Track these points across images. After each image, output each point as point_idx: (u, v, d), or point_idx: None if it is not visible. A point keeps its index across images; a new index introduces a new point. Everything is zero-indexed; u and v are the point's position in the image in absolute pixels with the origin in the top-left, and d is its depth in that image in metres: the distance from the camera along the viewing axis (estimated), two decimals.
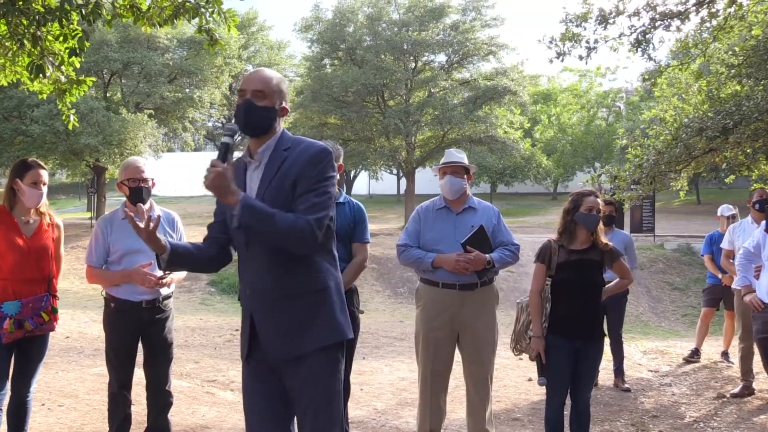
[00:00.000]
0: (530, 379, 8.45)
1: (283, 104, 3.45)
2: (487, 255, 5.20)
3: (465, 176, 5.52)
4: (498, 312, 5.61)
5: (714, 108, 11.45)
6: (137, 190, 5.07)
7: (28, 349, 4.89)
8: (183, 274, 5.36)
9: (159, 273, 4.99)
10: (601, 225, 5.24)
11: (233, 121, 3.44)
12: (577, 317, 5.09)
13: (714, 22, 11.35)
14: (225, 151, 3.23)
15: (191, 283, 19.40)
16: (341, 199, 5.31)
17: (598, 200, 5.18)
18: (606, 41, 11.50)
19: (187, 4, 6.00)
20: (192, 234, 21.68)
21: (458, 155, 5.58)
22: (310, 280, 3.34)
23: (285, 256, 3.26)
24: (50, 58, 6.25)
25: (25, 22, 5.72)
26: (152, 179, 5.17)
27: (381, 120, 33.14)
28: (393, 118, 32.12)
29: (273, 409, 3.40)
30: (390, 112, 32.90)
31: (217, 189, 3.12)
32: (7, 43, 6.42)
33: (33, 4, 5.56)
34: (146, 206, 5.09)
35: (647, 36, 11.29)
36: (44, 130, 26.33)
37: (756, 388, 7.88)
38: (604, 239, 5.27)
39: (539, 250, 5.29)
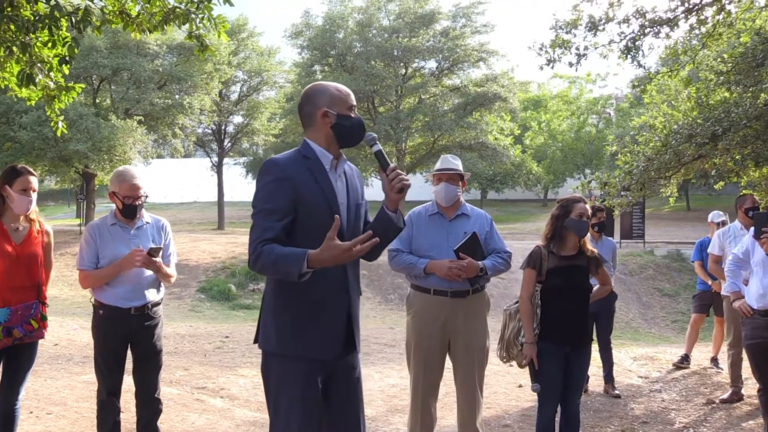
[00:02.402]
0: (521, 386, 8.45)
1: None
2: (479, 262, 5.19)
3: (459, 183, 5.51)
4: (490, 319, 5.61)
5: (703, 115, 11.48)
6: (131, 208, 5.07)
7: (16, 357, 4.86)
8: (173, 269, 5.35)
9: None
10: (589, 232, 5.25)
11: (360, 133, 3.62)
12: (568, 323, 5.10)
13: (703, 30, 11.39)
14: (386, 157, 3.50)
15: (181, 290, 19.34)
16: None
17: (587, 206, 5.19)
18: (596, 48, 11.53)
19: (177, 10, 5.99)
20: (181, 241, 21.49)
21: (454, 162, 5.57)
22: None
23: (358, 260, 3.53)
24: (39, 65, 6.23)
25: (13, 28, 5.70)
26: (146, 195, 5.15)
27: (371, 126, 33.15)
28: (383, 124, 32.17)
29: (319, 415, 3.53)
30: (380, 119, 32.96)
31: (407, 190, 3.48)
32: None
33: (22, 11, 5.54)
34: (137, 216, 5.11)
35: (637, 43, 11.32)
36: (33, 137, 26.23)
37: (745, 393, 7.91)
38: (589, 245, 5.29)
39: (529, 256, 5.29)
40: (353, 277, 3.61)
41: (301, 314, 3.45)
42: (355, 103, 3.59)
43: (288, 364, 3.45)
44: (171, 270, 5.32)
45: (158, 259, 5.07)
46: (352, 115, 3.55)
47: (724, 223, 9.42)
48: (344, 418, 3.59)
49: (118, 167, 5.47)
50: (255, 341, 3.62)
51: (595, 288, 5.54)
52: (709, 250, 8.51)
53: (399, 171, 3.43)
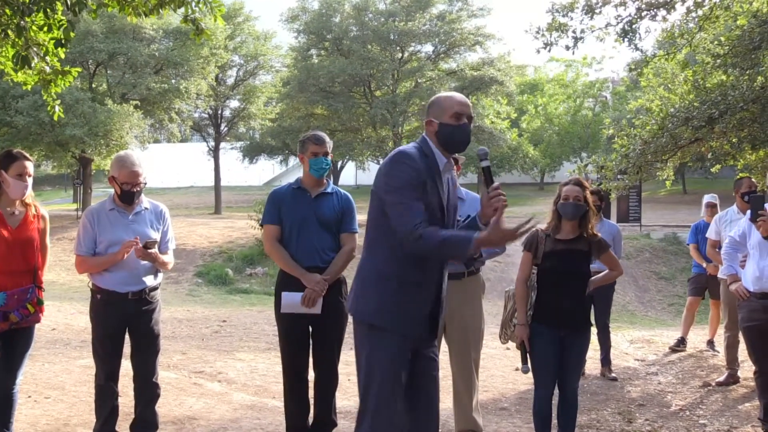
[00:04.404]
0: (517, 369, 8.46)
1: None
2: None
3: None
4: (485, 302, 5.63)
5: (700, 98, 11.48)
6: (129, 194, 5.06)
7: (13, 341, 4.86)
8: (170, 255, 5.36)
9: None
10: (590, 215, 5.21)
11: (459, 150, 3.95)
12: (562, 306, 5.10)
13: (700, 12, 11.38)
14: (491, 175, 3.77)
15: (178, 274, 19.35)
16: (329, 189, 5.31)
17: (577, 188, 5.14)
18: (592, 31, 11.52)
19: None
20: (178, 225, 21.46)
21: None
22: None
23: None
24: (35, 49, 6.20)
25: (8, 12, 5.67)
26: (145, 181, 5.14)
27: (368, 110, 33.11)
28: (380, 108, 32.09)
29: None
30: (377, 103, 32.87)
31: (503, 209, 3.59)
32: None
33: None
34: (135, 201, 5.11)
35: (633, 26, 11.31)
36: (29, 122, 26.13)
37: (741, 376, 7.93)
38: (594, 230, 5.25)
39: (526, 238, 5.28)
40: (446, 267, 3.92)
41: (400, 293, 3.74)
42: (463, 110, 3.81)
43: (383, 336, 3.75)
44: (169, 257, 5.32)
45: (154, 250, 5.07)
46: (456, 123, 3.80)
47: (712, 206, 9.45)
48: (424, 400, 3.88)
49: (119, 152, 5.47)
50: (349, 310, 3.98)
51: (602, 273, 5.52)
52: (707, 235, 8.52)
53: (501, 192, 3.59)
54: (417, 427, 3.86)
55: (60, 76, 6.76)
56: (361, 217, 4.79)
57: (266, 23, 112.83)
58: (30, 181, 4.85)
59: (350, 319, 4.03)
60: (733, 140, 11.55)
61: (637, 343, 10.62)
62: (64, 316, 12.19)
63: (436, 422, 3.94)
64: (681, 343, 9.71)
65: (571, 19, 11.46)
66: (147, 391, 5.26)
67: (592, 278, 5.32)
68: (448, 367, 5.60)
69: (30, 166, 4.86)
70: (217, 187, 39.40)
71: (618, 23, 11.33)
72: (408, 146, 3.84)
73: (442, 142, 3.81)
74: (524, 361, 5.22)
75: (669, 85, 13.61)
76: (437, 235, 3.56)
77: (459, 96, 3.87)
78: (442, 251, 3.65)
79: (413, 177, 3.66)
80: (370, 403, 3.74)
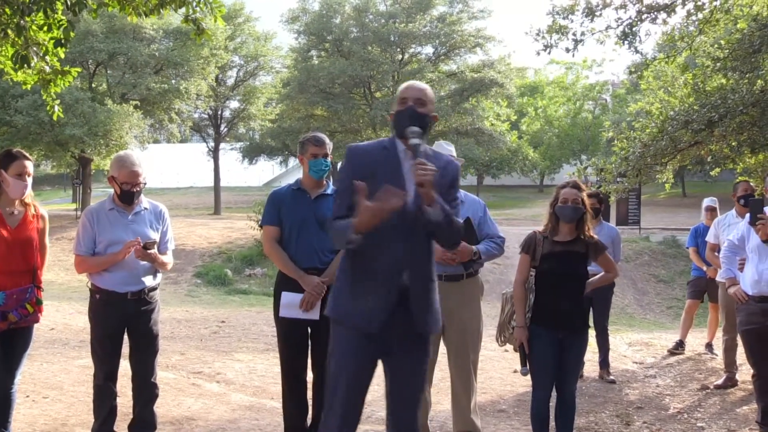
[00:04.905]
0: (516, 371, 8.47)
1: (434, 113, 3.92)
2: (473, 247, 5.21)
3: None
4: (484, 304, 5.63)
5: (700, 101, 11.48)
6: (129, 194, 5.07)
7: (12, 341, 4.86)
8: (170, 255, 5.36)
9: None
10: (588, 217, 5.23)
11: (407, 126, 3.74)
12: (560, 308, 5.10)
13: (700, 15, 11.37)
14: (417, 152, 3.60)
15: (177, 274, 19.34)
16: (328, 191, 5.31)
17: (575, 191, 5.15)
18: (593, 34, 11.50)
19: None
20: (178, 226, 21.44)
21: (447, 147, 5.59)
22: (434, 269, 3.87)
23: (432, 247, 3.82)
24: (35, 49, 6.20)
25: (8, 11, 5.67)
26: (145, 182, 5.14)
27: (368, 112, 33.14)
28: (380, 109, 32.09)
29: (367, 389, 3.78)
30: (377, 104, 32.90)
31: (428, 185, 3.45)
32: None
33: None
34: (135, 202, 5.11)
35: (634, 29, 11.30)
36: (29, 121, 26.11)
37: (739, 379, 7.94)
38: (590, 232, 5.26)
39: (524, 240, 5.30)
40: (412, 257, 3.71)
41: (352, 284, 3.72)
42: (407, 94, 3.80)
43: (339, 329, 3.78)
44: (168, 257, 5.32)
45: (154, 251, 5.07)
46: (400, 108, 3.80)
47: (712, 210, 9.48)
48: (398, 401, 3.78)
49: (119, 152, 5.47)
50: None
51: (599, 275, 5.53)
52: (706, 239, 8.52)
53: (421, 165, 3.48)
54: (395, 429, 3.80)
55: (60, 76, 6.76)
56: None
57: (266, 24, 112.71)
58: (29, 180, 4.85)
59: None
60: (733, 144, 11.56)
61: (635, 345, 10.63)
62: (63, 316, 12.19)
63: (414, 424, 3.82)
64: (679, 345, 9.72)
65: (572, 21, 11.45)
66: (145, 391, 5.26)
67: (589, 280, 5.33)
68: (446, 369, 5.60)
69: (29, 165, 4.86)
70: (216, 187, 39.38)
71: (618, 26, 11.32)
72: (369, 141, 3.96)
73: (393, 127, 3.84)
74: (524, 364, 5.22)
75: (669, 88, 13.62)
76: (333, 225, 3.67)
77: (412, 83, 3.92)
78: (337, 240, 3.72)
79: (348, 174, 3.70)
80: (326, 397, 3.80)
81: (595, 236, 5.34)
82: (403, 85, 3.92)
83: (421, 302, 3.73)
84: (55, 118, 7.12)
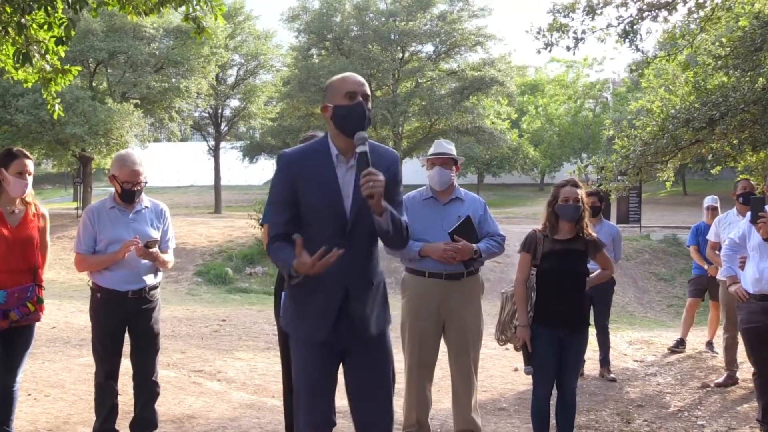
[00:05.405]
0: (516, 369, 8.48)
1: None
2: (474, 245, 5.21)
3: (453, 168, 5.52)
4: (484, 302, 5.63)
5: (701, 99, 11.48)
6: (130, 193, 5.06)
7: (13, 340, 4.86)
8: (171, 254, 5.36)
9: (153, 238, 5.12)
10: (586, 215, 5.22)
11: (356, 130, 3.51)
12: (561, 306, 5.10)
13: (701, 13, 11.38)
14: (367, 161, 3.39)
15: (178, 273, 19.35)
16: None
17: (576, 189, 5.14)
18: (593, 32, 11.51)
19: None
20: (178, 224, 21.38)
21: (447, 146, 5.59)
22: (380, 272, 3.80)
23: (374, 250, 3.70)
24: (35, 47, 6.20)
25: (9, 10, 5.68)
26: (145, 180, 5.14)
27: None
28: (380, 108, 32.10)
29: (332, 391, 3.74)
30: (377, 103, 32.88)
31: (378, 196, 3.35)
32: None
33: None
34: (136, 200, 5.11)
35: (634, 27, 11.31)
36: (29, 120, 26.15)
37: (740, 377, 7.93)
38: (589, 229, 5.26)
39: (524, 239, 5.29)
40: (351, 264, 3.54)
41: (295, 297, 3.67)
42: (356, 89, 3.53)
43: (293, 342, 3.73)
44: (169, 255, 5.32)
45: (155, 250, 5.07)
46: (348, 103, 3.53)
47: (713, 209, 9.47)
48: (365, 403, 3.74)
49: (120, 151, 5.47)
50: None
51: (596, 272, 5.53)
52: (707, 237, 8.52)
53: (372, 176, 3.33)
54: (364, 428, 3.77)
55: (60, 75, 6.76)
56: None
57: (267, 22, 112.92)
58: (30, 179, 4.85)
59: None
60: (734, 142, 11.55)
61: (636, 344, 10.62)
62: (64, 315, 12.20)
63: (385, 420, 3.75)
64: (680, 344, 9.71)
65: (572, 19, 11.46)
66: (146, 389, 5.26)
67: (587, 277, 5.33)
68: (447, 367, 5.61)
69: (30, 164, 4.86)
70: (217, 186, 39.38)
71: (619, 24, 11.34)
72: (297, 146, 3.81)
73: (338, 125, 3.54)
74: (527, 363, 5.22)
75: (670, 86, 13.62)
76: (275, 254, 3.57)
77: (353, 75, 3.65)
78: (280, 269, 3.69)
79: (283, 183, 3.60)
80: (294, 404, 3.78)
81: (594, 234, 5.34)
82: (344, 75, 3.66)
83: (361, 307, 3.62)
84: (55, 116, 7.12)
